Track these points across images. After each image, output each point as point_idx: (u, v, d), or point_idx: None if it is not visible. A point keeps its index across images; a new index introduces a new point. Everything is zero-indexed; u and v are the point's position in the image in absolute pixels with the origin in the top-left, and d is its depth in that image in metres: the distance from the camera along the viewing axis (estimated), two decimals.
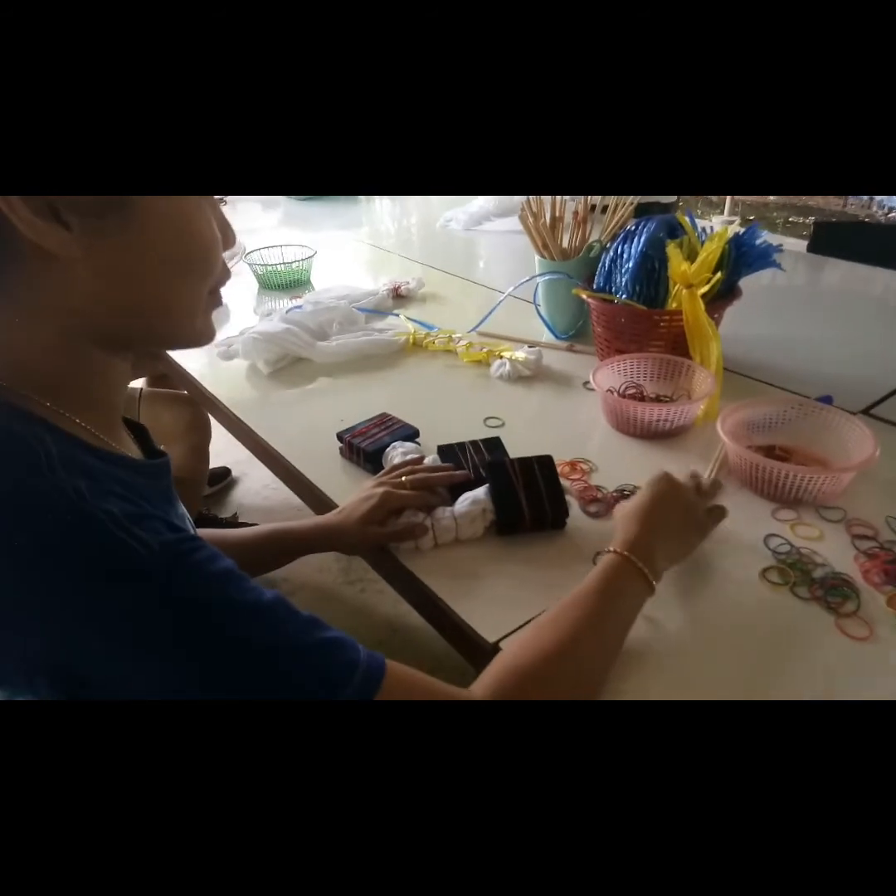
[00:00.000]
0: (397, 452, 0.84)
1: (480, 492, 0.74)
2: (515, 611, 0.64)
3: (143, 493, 0.46)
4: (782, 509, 0.75)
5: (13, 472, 0.39)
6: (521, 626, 0.62)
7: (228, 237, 0.51)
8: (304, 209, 2.28)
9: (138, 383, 1.81)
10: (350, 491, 0.82)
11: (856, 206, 5.07)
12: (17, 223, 0.39)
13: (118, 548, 0.38)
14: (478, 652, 0.62)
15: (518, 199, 1.94)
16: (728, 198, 5.03)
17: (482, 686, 0.51)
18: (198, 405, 1.57)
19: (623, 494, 0.78)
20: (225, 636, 0.41)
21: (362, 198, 2.42)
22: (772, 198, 5.60)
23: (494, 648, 0.60)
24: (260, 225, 2.13)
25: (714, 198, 5.63)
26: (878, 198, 4.83)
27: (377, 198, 2.43)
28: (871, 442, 0.76)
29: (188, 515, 0.58)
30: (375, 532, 0.73)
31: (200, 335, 0.51)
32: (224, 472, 2.16)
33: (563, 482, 0.81)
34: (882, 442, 0.75)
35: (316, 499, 0.85)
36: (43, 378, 0.45)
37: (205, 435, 1.62)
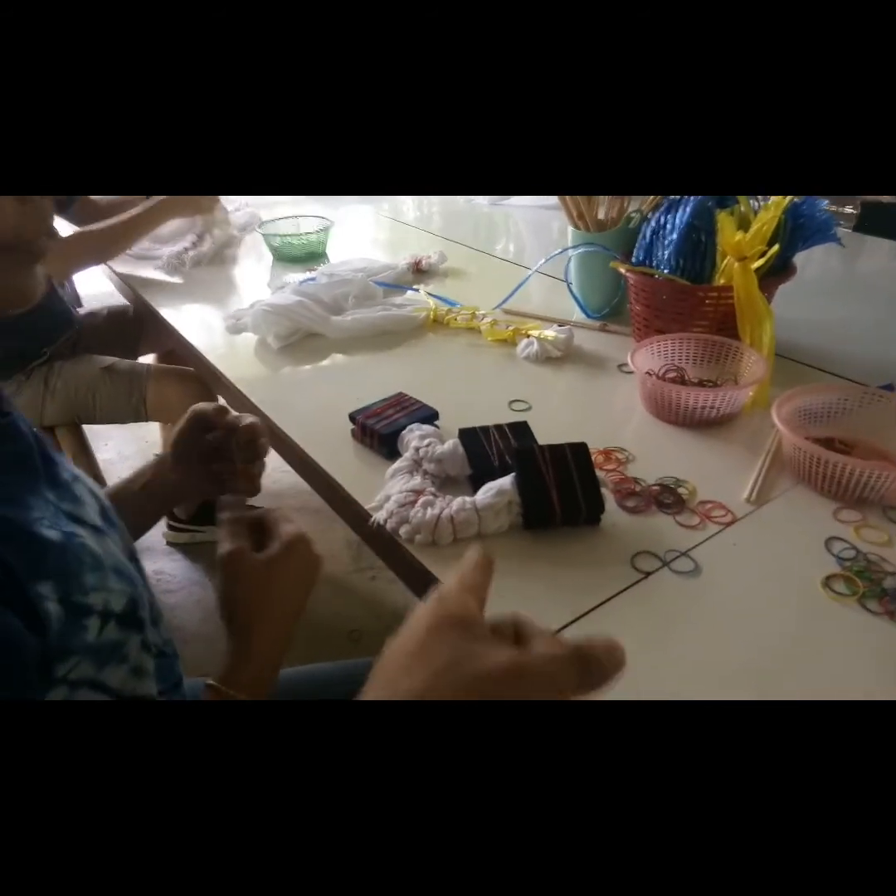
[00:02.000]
0: (415, 435, 0.77)
1: (506, 482, 0.66)
2: (544, 617, 0.56)
3: None
4: (845, 509, 0.67)
5: None
6: (558, 631, 0.54)
7: None
8: None
9: (148, 359, 1.75)
10: (363, 477, 0.75)
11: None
12: None
13: None
14: None
15: None
16: None
17: None
18: (203, 381, 1.51)
19: (664, 487, 0.70)
20: None
21: None
22: None
23: None
24: (279, 198, 2.06)
25: None
26: None
27: None
28: None
29: (82, 479, 0.50)
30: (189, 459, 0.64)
31: (11, 293, 0.45)
32: None
33: (598, 473, 0.73)
34: None
35: (325, 484, 0.78)
36: None
37: None
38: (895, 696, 0.50)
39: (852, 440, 0.75)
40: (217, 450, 0.64)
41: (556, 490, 0.64)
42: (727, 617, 0.57)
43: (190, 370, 1.50)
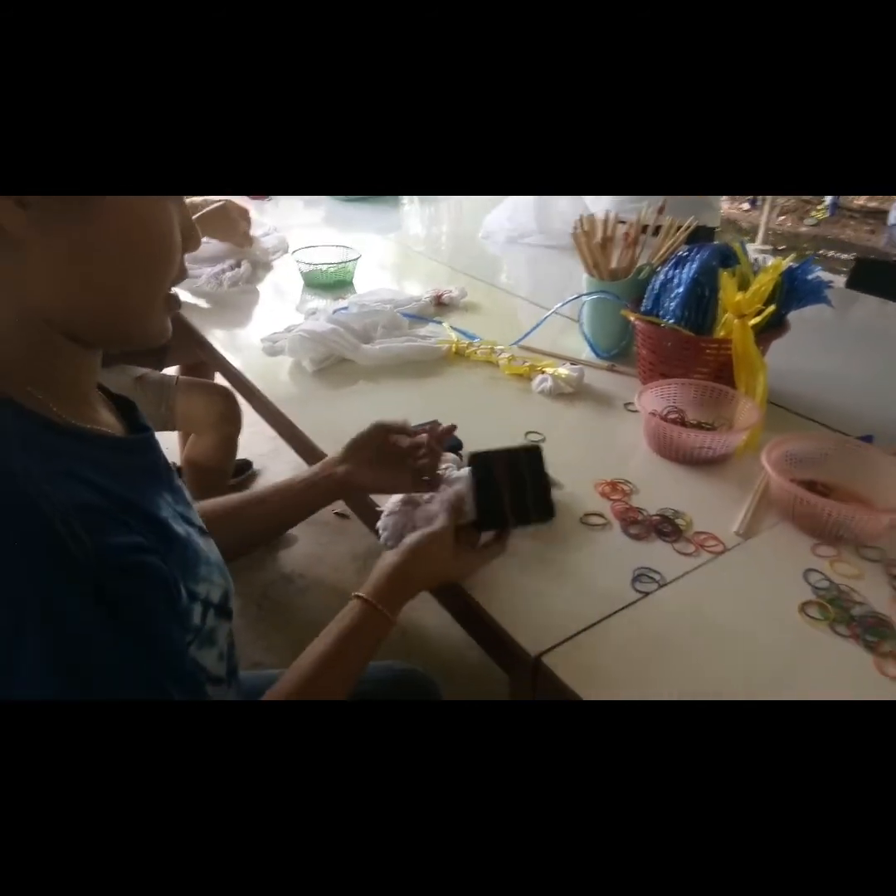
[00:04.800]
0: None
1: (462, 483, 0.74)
2: (554, 627, 0.64)
3: (116, 470, 0.46)
4: (822, 545, 0.76)
5: None
6: (567, 640, 0.63)
7: (191, 240, 0.51)
8: (346, 210, 2.30)
9: (173, 371, 1.83)
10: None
11: (889, 243, 5.04)
12: None
13: (52, 540, 0.38)
14: (514, 661, 0.63)
15: (557, 216, 1.95)
16: (761, 227, 5.03)
17: None
18: (231, 396, 1.59)
19: (664, 518, 0.79)
20: (98, 665, 0.40)
21: (404, 202, 2.44)
22: (804, 229, 5.58)
23: (536, 662, 0.61)
24: (301, 222, 2.15)
25: (745, 225, 5.62)
26: None
27: (418, 203, 2.45)
28: None
29: (184, 488, 0.59)
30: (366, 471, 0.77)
31: (154, 337, 0.51)
32: (246, 465, 2.18)
33: (602, 502, 0.82)
34: None
35: (359, 500, 0.86)
36: (4, 358, 0.45)
37: (236, 426, 1.63)
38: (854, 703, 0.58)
39: (832, 484, 0.84)
40: (391, 454, 0.79)
41: (509, 494, 0.70)
42: (715, 635, 0.65)
43: (216, 383, 1.58)
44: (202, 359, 1.85)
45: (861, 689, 0.60)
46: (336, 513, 1.95)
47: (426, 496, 0.77)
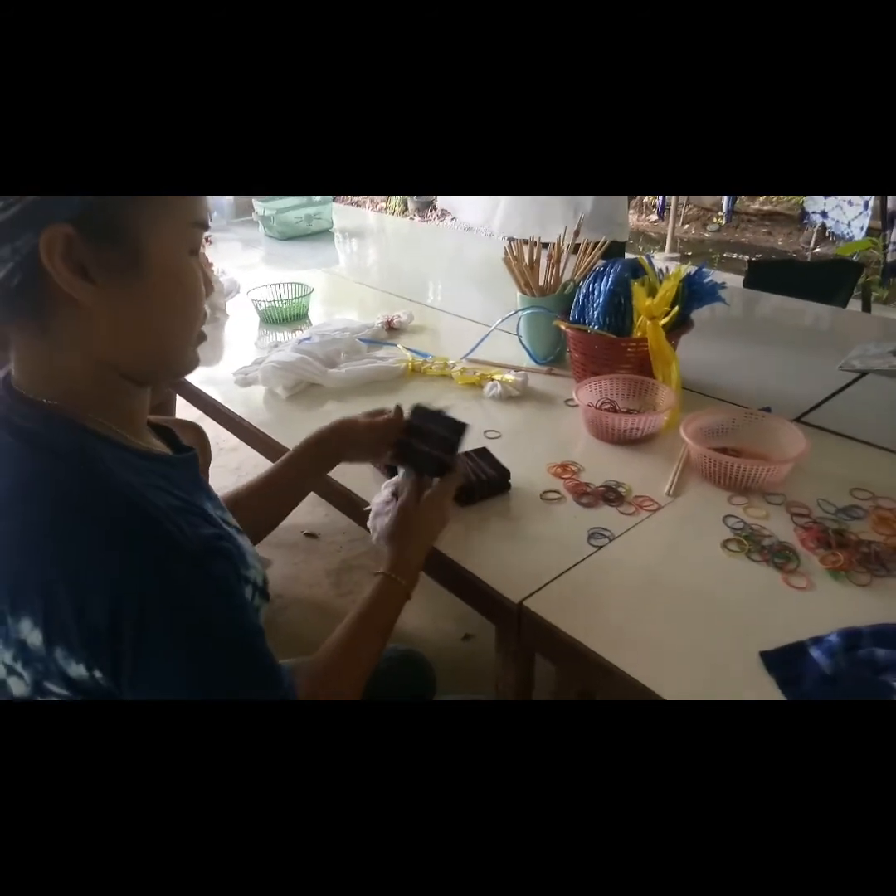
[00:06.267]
0: None
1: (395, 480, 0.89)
2: (526, 579, 0.79)
3: (178, 483, 0.58)
4: (736, 496, 0.93)
5: (78, 473, 0.52)
6: (541, 588, 0.77)
7: (209, 286, 0.65)
8: (283, 248, 2.42)
9: None
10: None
11: (783, 240, 5.48)
12: (60, 282, 0.51)
13: (165, 536, 0.51)
14: (501, 610, 0.77)
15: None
16: (668, 236, 5.38)
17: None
18: (201, 430, 1.69)
19: (608, 488, 0.94)
20: (214, 631, 0.52)
21: (339, 237, 2.58)
22: (708, 235, 5.99)
23: (520, 607, 0.75)
24: (242, 263, 2.25)
25: (654, 234, 6.00)
26: (804, 234, 5.26)
27: (351, 237, 2.59)
28: (803, 442, 0.94)
29: (216, 494, 0.71)
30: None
31: (191, 367, 0.65)
32: None
33: (555, 481, 0.97)
34: (812, 443, 0.94)
35: (345, 500, 0.99)
36: (83, 399, 0.57)
37: (206, 458, 1.73)
38: (768, 610, 0.74)
39: (740, 448, 1.02)
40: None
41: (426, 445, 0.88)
42: (658, 572, 0.81)
43: (186, 420, 1.67)
44: (162, 399, 1.95)
45: (774, 599, 0.76)
46: (305, 533, 2.05)
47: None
